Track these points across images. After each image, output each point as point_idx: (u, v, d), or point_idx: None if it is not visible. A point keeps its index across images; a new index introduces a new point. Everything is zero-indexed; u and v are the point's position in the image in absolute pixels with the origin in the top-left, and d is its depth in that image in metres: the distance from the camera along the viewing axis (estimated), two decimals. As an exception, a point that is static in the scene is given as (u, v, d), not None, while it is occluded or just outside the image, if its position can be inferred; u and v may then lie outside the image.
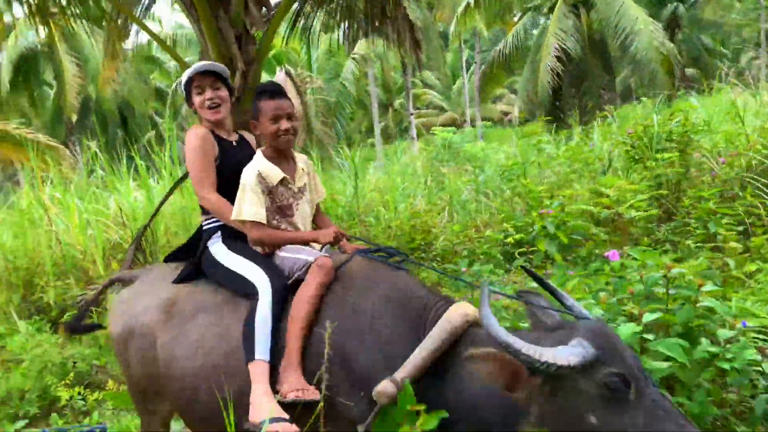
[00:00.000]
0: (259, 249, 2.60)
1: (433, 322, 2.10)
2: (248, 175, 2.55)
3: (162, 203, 5.71)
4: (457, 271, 4.12)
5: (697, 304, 2.46)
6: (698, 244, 4.07)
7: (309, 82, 15.55)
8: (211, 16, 4.45)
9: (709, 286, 2.47)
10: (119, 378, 4.22)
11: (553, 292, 2.16)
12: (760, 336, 2.50)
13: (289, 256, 2.51)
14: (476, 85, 18.80)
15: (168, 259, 3.00)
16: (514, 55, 18.20)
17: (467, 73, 33.30)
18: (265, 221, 2.52)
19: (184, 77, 2.86)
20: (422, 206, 6.98)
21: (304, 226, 2.70)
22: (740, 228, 4.12)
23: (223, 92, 2.86)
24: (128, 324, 2.67)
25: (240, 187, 2.55)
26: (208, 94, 2.80)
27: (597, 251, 4.30)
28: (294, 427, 2.09)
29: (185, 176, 5.79)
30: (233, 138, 2.94)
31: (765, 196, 4.66)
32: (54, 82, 22.51)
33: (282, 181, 2.60)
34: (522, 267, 2.53)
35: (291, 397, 2.11)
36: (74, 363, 4.35)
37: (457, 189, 7.64)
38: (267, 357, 2.24)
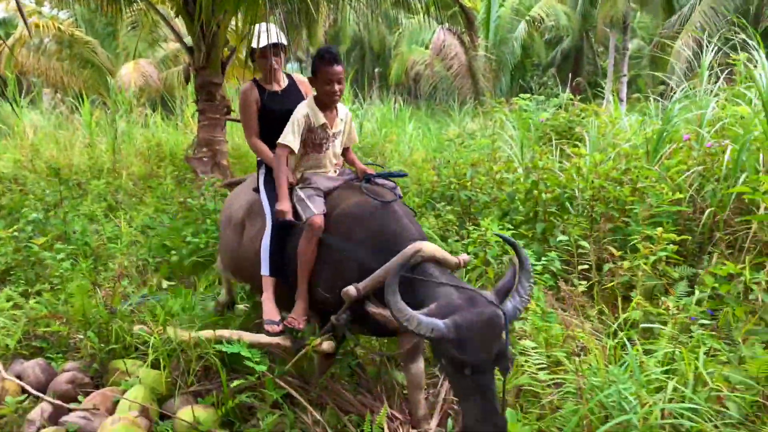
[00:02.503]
0: (290, 179, 3.22)
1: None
2: (298, 113, 3.24)
3: None
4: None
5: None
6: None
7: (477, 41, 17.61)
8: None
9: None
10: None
11: (517, 251, 2.55)
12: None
13: (304, 200, 3.09)
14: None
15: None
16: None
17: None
18: (292, 147, 3.19)
19: (259, 44, 3.61)
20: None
21: (331, 161, 3.39)
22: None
23: (281, 57, 3.63)
24: (228, 213, 3.77)
25: (290, 119, 3.22)
26: (272, 61, 3.54)
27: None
28: (279, 327, 3.04)
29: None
30: (282, 85, 3.67)
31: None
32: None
33: (322, 126, 3.27)
34: (496, 233, 3.27)
35: (287, 323, 3.01)
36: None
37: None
38: (267, 272, 3.17)
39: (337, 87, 3.15)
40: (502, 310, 2.30)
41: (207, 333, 3.15)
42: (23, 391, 3.15)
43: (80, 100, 11.13)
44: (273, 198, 3.24)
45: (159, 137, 10.01)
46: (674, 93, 6.06)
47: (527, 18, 20.82)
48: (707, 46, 6.32)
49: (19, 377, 3.24)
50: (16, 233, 4.88)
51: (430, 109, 18.68)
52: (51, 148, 9.80)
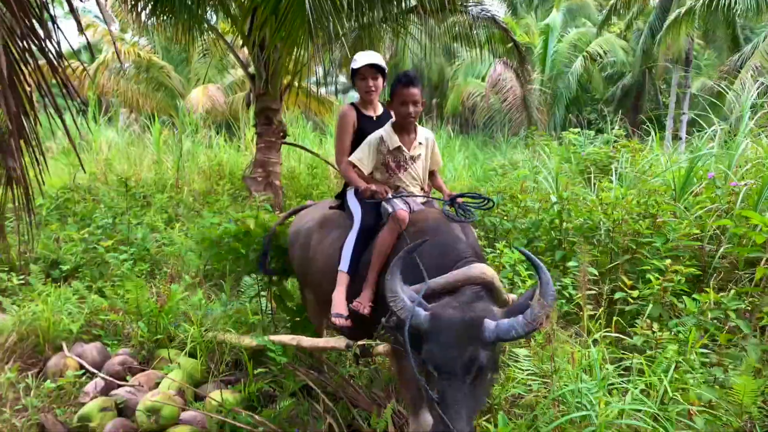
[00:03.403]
0: (386, 190, 3.21)
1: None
2: (373, 135, 3.33)
3: None
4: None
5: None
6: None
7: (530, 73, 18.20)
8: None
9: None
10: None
11: (538, 272, 2.35)
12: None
13: (391, 202, 3.12)
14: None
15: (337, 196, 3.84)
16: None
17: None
18: (361, 166, 3.31)
19: (355, 65, 3.54)
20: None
21: (412, 182, 3.38)
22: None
23: (379, 80, 3.59)
24: (298, 227, 3.88)
25: (365, 140, 3.36)
26: (370, 82, 3.55)
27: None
28: (347, 322, 3.04)
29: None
30: (378, 113, 3.69)
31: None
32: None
33: (397, 148, 3.30)
34: (515, 247, 3.29)
35: (352, 306, 3.00)
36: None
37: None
38: (346, 268, 3.16)
39: (411, 108, 3.18)
40: (492, 320, 2.21)
41: (271, 338, 3.47)
42: (81, 367, 3.69)
43: (152, 119, 12.08)
44: (362, 206, 3.32)
45: (221, 157, 10.73)
46: (726, 132, 6.16)
47: (584, 53, 20.87)
48: (752, 86, 6.39)
49: (79, 356, 3.78)
50: (86, 236, 5.52)
51: (483, 139, 18.96)
52: (122, 164, 10.70)
